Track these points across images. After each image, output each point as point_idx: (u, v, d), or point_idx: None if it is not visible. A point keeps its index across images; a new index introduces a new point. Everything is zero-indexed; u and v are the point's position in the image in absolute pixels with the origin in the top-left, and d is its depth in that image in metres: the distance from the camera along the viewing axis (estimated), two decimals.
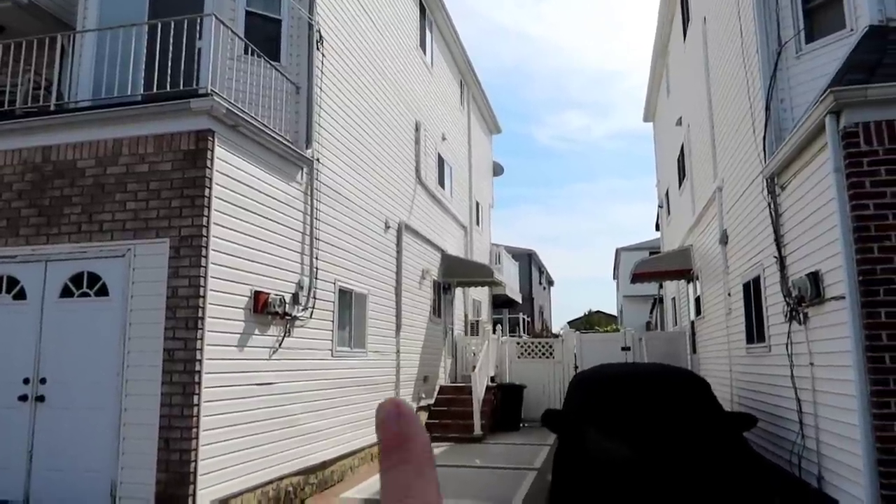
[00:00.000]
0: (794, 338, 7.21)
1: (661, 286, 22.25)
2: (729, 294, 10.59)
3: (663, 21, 16.38)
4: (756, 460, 6.20)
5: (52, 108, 7.65)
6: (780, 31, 7.82)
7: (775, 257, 7.65)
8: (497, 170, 24.60)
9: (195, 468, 6.21)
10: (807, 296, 6.52)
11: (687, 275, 15.03)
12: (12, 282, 7.11)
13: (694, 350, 14.88)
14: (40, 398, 6.75)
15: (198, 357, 6.37)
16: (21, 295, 7.05)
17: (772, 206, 7.75)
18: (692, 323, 15.14)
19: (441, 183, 15.98)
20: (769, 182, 7.76)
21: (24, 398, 6.77)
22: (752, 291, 8.96)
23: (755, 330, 8.90)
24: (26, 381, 6.80)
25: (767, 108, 7.70)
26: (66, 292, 6.93)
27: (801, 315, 6.94)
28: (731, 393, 10.60)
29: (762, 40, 7.88)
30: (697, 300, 14.13)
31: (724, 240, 10.74)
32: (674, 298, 19.24)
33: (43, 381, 6.78)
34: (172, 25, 7.33)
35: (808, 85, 7.38)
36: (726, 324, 10.88)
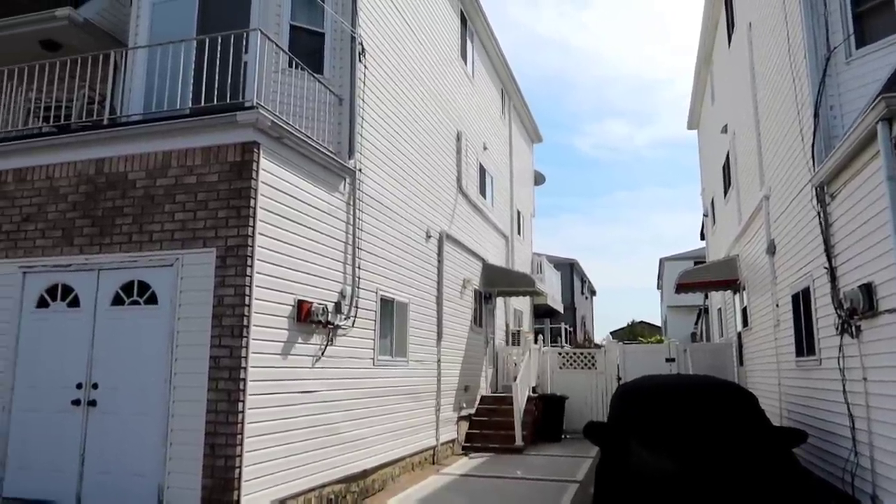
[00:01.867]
0: (847, 351, 6.99)
1: (706, 296, 21.82)
2: (777, 305, 10.32)
3: (707, 28, 16.13)
4: (806, 477, 6.02)
5: (105, 122, 7.91)
6: (828, 36, 7.63)
7: (825, 268, 7.44)
8: (538, 179, 24.51)
9: (240, 474, 6.31)
10: (859, 308, 6.32)
11: (733, 285, 14.71)
12: (67, 290, 7.36)
13: (741, 362, 14.54)
14: (92, 403, 6.96)
15: (243, 365, 6.49)
16: (75, 302, 7.29)
17: (821, 215, 7.55)
18: (739, 334, 14.80)
19: (482, 192, 15.99)
20: (818, 191, 7.56)
21: (76, 403, 6.99)
22: (802, 303, 8.72)
23: (805, 342, 8.66)
24: (79, 386, 7.02)
25: (816, 115, 7.51)
26: (117, 300, 7.14)
27: (854, 328, 6.73)
28: (779, 407, 10.32)
29: (810, 45, 7.69)
30: (744, 311, 13.81)
31: (771, 250, 10.49)
32: (720, 309, 18.85)
33: (95, 386, 6.99)
34: (220, 40, 7.52)
35: (858, 91, 7.18)
36: (774, 336, 10.61)
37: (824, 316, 7.74)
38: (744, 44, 12.05)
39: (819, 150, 7.41)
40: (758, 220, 11.57)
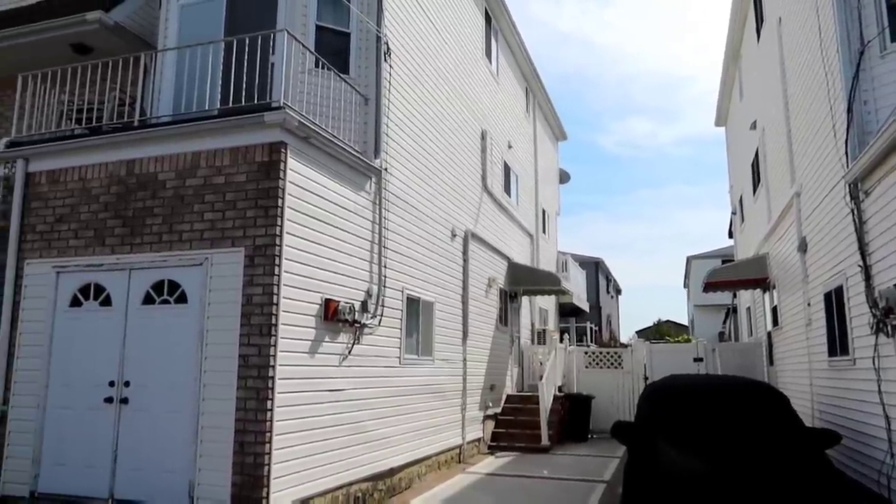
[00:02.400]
0: (882, 351, 6.84)
1: (735, 295, 21.52)
2: (809, 304, 10.14)
3: (735, 23, 15.91)
4: (840, 478, 5.90)
5: (135, 123, 8.03)
6: (862, 30, 7.47)
7: (859, 266, 7.30)
8: (563, 177, 24.36)
9: (268, 471, 6.37)
10: (895, 307, 6.19)
11: (763, 284, 14.49)
12: (99, 289, 7.48)
13: (771, 362, 14.32)
14: (124, 400, 7.07)
15: (271, 363, 6.54)
16: (107, 301, 7.41)
17: (855, 212, 7.40)
18: (769, 334, 14.58)
19: (507, 191, 15.95)
20: (852, 187, 7.42)
21: (109, 400, 7.10)
22: (835, 301, 8.56)
23: (838, 342, 8.50)
24: (111, 383, 7.13)
25: (849, 111, 7.37)
26: (147, 299, 7.24)
27: (889, 327, 6.58)
28: (811, 408, 10.14)
29: (843, 39, 7.55)
30: (774, 310, 13.60)
31: (802, 247, 10.32)
32: (749, 308, 18.58)
33: (127, 384, 7.09)
34: (247, 41, 7.58)
35: (893, 86, 7.03)
36: (806, 335, 10.43)
37: (858, 315, 7.59)
38: (773, 39, 11.85)
39: (852, 147, 7.27)
40: (788, 217, 11.38)
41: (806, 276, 10.25)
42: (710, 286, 15.26)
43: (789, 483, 5.50)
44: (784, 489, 5.41)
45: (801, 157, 10.39)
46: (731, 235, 23.05)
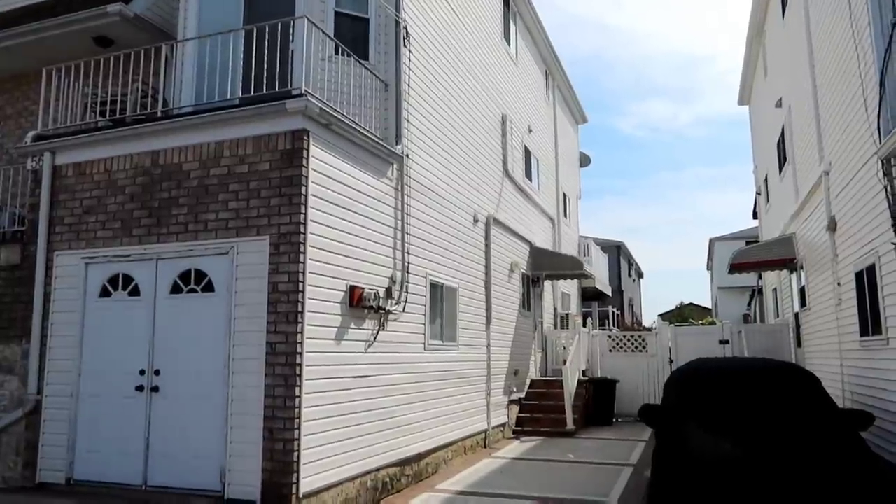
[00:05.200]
0: None
1: (760, 277, 21.27)
2: (839, 284, 9.98)
3: (759, 0, 15.59)
4: (875, 461, 5.81)
5: (158, 114, 8.06)
6: (895, 2, 7.27)
7: (893, 244, 7.15)
8: (584, 160, 24.16)
9: (298, 457, 6.41)
10: None
11: (790, 264, 14.29)
12: (127, 279, 7.55)
13: (799, 343, 14.14)
14: (155, 389, 7.15)
15: (298, 350, 6.57)
16: (135, 291, 7.49)
17: (888, 189, 7.24)
18: (796, 315, 14.39)
19: (528, 175, 15.84)
20: (885, 164, 7.25)
21: (140, 388, 7.19)
22: (866, 280, 8.41)
23: (870, 321, 8.36)
24: (142, 372, 7.22)
25: (881, 85, 7.19)
26: (175, 288, 7.30)
27: None
28: (842, 389, 10.01)
29: (875, 12, 7.36)
30: (802, 291, 13.41)
31: (832, 226, 10.14)
32: (775, 289, 18.35)
33: (157, 372, 7.18)
34: (267, 30, 7.57)
35: None
36: (836, 315, 10.27)
37: (892, 294, 7.46)
38: (800, 14, 11.60)
39: (885, 121, 7.11)
40: (817, 195, 11.19)
41: (835, 256, 10.08)
42: (736, 267, 15.09)
43: (825, 466, 5.41)
44: (819, 472, 5.33)
45: (829, 133, 10.19)
46: (755, 216, 22.73)
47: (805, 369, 7.63)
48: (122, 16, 9.14)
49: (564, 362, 14.21)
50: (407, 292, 8.84)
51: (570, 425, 13.13)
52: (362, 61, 8.54)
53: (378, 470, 7.88)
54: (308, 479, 6.53)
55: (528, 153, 15.93)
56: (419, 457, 8.98)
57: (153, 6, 9.68)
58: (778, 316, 17.71)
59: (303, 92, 6.94)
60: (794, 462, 5.36)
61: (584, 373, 15.23)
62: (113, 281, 7.62)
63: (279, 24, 7.53)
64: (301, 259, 6.72)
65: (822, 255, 11.00)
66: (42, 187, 8.14)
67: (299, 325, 6.61)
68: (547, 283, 17.13)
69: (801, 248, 13.30)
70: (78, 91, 8.56)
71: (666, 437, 6.43)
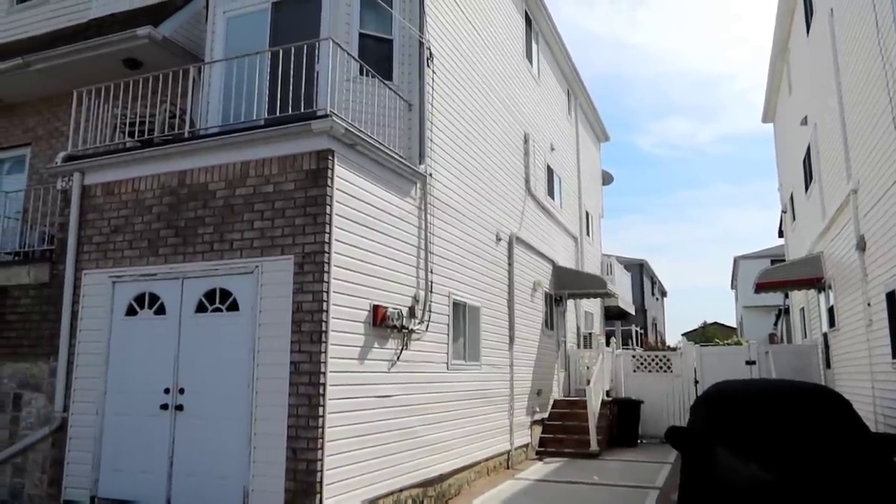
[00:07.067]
0: None
1: (786, 296, 20.94)
2: (869, 304, 9.78)
3: (783, 17, 15.50)
4: None
5: (185, 135, 8.17)
6: None
7: None
8: (606, 178, 24.08)
9: (321, 478, 6.38)
10: None
11: (817, 284, 14.04)
12: (153, 298, 7.62)
13: (828, 365, 13.85)
14: (179, 407, 7.18)
15: (322, 370, 6.57)
16: (161, 310, 7.55)
17: None
18: (825, 335, 14.12)
19: (550, 194, 15.81)
20: None
21: (164, 407, 7.23)
22: None
23: None
24: (167, 390, 7.26)
25: None
26: (200, 307, 7.35)
27: None
28: (873, 412, 9.77)
29: None
30: (831, 311, 13.16)
31: (861, 245, 9.96)
32: (802, 309, 18.04)
33: (182, 391, 7.21)
34: (293, 51, 7.66)
35: None
36: (867, 336, 10.05)
37: None
38: (825, 31, 11.50)
39: None
40: (845, 214, 11.01)
41: (865, 276, 9.89)
42: (761, 287, 14.85)
43: (856, 491, 5.27)
44: (851, 498, 5.19)
45: (857, 152, 10.04)
46: (781, 234, 22.44)
47: (836, 392, 7.46)
48: (151, 38, 9.33)
49: (588, 382, 14.07)
50: (430, 311, 8.82)
51: (594, 446, 12.95)
52: (386, 82, 8.61)
53: (401, 491, 7.82)
54: (331, 501, 6.49)
55: (550, 171, 15.90)
56: (442, 478, 8.90)
57: (181, 29, 9.88)
58: (806, 336, 17.39)
59: (328, 112, 7.00)
60: (826, 487, 5.22)
61: (608, 393, 15.05)
62: (139, 299, 7.70)
63: (305, 46, 7.63)
64: (325, 278, 6.73)
65: (852, 275, 10.80)
66: (71, 207, 8.28)
67: (323, 345, 6.62)
68: (570, 302, 17.02)
69: (828, 267, 13.08)
70: (107, 112, 8.73)
71: (693, 460, 6.30)
